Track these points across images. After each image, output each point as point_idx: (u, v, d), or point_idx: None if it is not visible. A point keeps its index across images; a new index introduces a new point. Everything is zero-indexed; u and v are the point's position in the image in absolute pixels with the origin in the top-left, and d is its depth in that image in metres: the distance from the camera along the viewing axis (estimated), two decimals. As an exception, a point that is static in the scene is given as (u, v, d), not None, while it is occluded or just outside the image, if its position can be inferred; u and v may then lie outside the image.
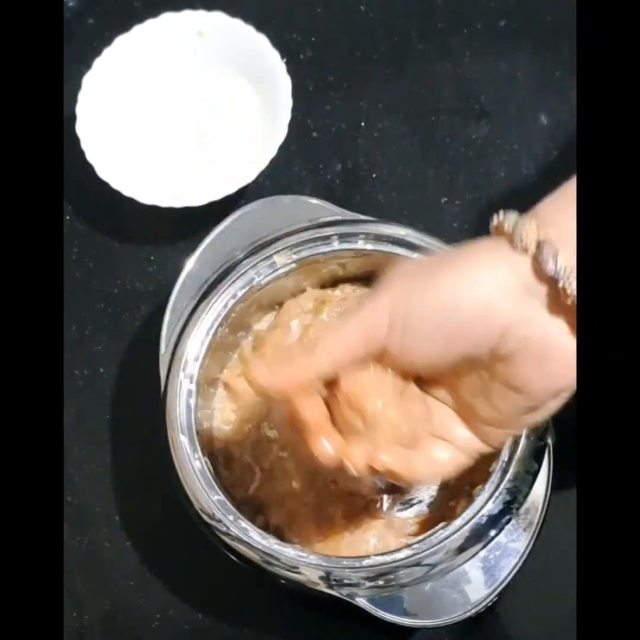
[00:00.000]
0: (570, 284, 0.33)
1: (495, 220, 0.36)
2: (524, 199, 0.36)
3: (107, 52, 0.59)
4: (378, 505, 0.48)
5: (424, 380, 0.39)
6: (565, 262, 0.33)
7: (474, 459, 0.39)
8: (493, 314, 0.34)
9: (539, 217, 0.35)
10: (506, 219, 0.35)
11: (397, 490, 0.48)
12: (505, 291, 0.34)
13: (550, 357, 0.35)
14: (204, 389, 0.48)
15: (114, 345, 0.57)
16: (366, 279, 0.51)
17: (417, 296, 0.35)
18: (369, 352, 0.37)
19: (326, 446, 0.37)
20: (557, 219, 0.34)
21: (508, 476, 0.43)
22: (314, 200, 0.52)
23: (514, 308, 0.34)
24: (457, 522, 0.43)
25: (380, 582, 0.42)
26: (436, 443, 0.39)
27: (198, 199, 0.55)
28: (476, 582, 0.43)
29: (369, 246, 0.48)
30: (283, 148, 0.56)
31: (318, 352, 0.37)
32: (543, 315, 0.34)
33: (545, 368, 0.35)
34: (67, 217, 0.60)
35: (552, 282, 0.33)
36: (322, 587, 0.43)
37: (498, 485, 0.43)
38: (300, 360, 0.37)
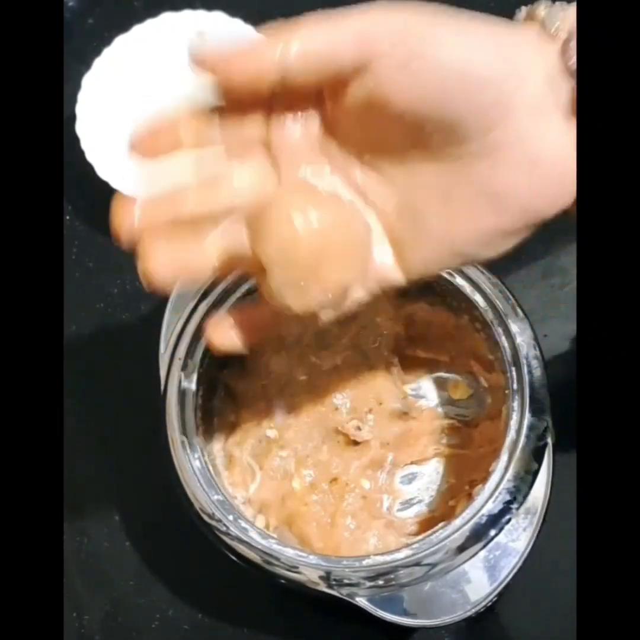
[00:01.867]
0: None
1: (524, 10, 0.32)
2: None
3: (107, 52, 0.59)
4: (378, 505, 0.49)
5: (373, 164, 0.33)
6: None
7: (373, 295, 0.34)
8: (506, 89, 0.30)
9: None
10: (539, 5, 0.31)
11: None
12: (527, 74, 0.30)
13: (544, 164, 0.30)
14: (204, 389, 0.48)
15: (114, 345, 0.57)
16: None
17: (438, 30, 0.30)
18: (352, 60, 0.30)
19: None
20: None
21: (508, 476, 0.43)
22: (314, 200, 0.52)
23: (528, 94, 0.30)
24: (457, 522, 0.43)
25: (380, 582, 0.42)
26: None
27: (198, 198, 0.55)
28: (476, 582, 0.43)
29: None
30: (283, 148, 0.56)
31: (296, 31, 0.30)
32: (553, 117, 0.30)
33: (534, 175, 0.30)
34: (67, 217, 0.60)
35: (574, 79, 0.30)
36: (322, 587, 0.43)
37: (498, 485, 0.43)
38: (270, 39, 0.31)
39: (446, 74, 0.30)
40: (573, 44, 0.30)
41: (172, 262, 0.33)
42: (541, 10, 0.31)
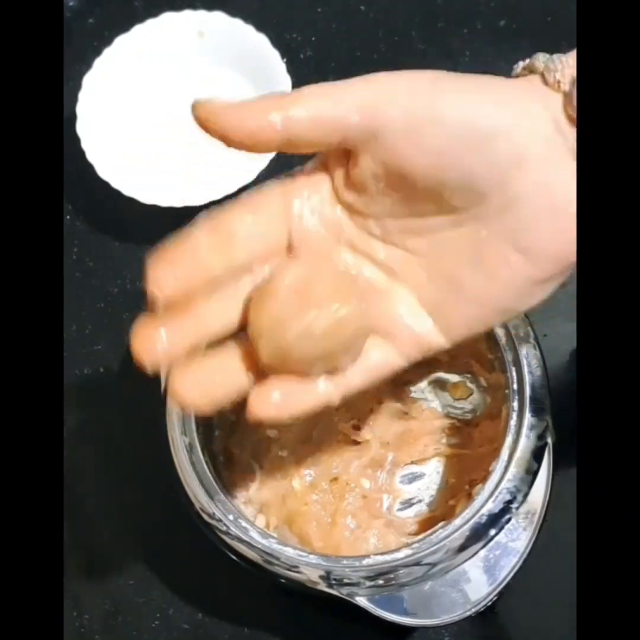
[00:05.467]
0: None
1: (522, 64, 0.32)
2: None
3: (107, 52, 0.59)
4: (378, 504, 0.49)
5: (396, 240, 0.33)
6: None
7: (413, 361, 0.34)
8: (516, 139, 0.30)
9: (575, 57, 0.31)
10: (537, 58, 0.32)
11: None
12: (535, 123, 0.30)
13: (566, 210, 0.30)
14: (204, 389, 0.48)
15: (114, 344, 0.57)
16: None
17: (442, 92, 0.30)
18: (359, 129, 0.30)
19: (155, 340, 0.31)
20: None
21: (508, 476, 0.43)
22: (314, 200, 0.52)
23: (539, 142, 0.30)
24: (457, 522, 0.43)
25: (380, 582, 0.42)
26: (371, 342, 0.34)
27: (198, 198, 0.55)
28: (476, 582, 0.43)
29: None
30: (283, 148, 0.56)
31: (300, 98, 0.30)
32: (567, 163, 0.30)
33: (558, 223, 0.31)
34: (67, 217, 0.60)
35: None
36: (322, 587, 0.43)
37: (498, 485, 0.43)
38: (274, 100, 0.30)
39: (454, 133, 0.30)
40: (575, 93, 0.30)
41: (200, 383, 0.33)
42: (539, 62, 0.31)
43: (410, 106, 0.30)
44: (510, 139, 0.30)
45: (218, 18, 0.60)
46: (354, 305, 0.33)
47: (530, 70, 0.32)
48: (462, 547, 0.42)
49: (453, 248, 0.32)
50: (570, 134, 0.30)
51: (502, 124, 0.30)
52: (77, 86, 0.58)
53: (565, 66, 0.31)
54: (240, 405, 0.51)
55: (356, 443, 0.50)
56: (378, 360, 0.34)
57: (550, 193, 0.31)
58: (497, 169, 0.30)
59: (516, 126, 0.30)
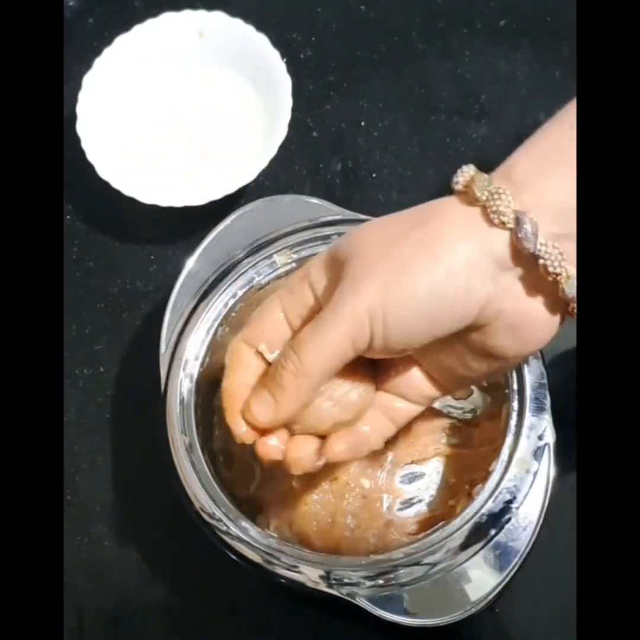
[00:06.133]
0: (552, 262, 0.33)
1: (459, 178, 0.35)
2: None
3: (107, 52, 0.59)
4: (378, 504, 0.49)
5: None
6: (544, 237, 0.33)
7: (428, 405, 0.41)
8: (472, 297, 0.34)
9: (513, 181, 0.34)
10: (475, 181, 0.34)
11: None
12: (481, 273, 0.34)
13: (523, 326, 0.36)
14: (204, 389, 0.48)
15: (114, 344, 0.57)
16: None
17: (395, 291, 0.35)
18: (357, 353, 0.36)
19: (273, 445, 0.38)
20: (532, 181, 0.33)
21: (508, 475, 0.43)
22: (314, 200, 0.52)
23: (490, 287, 0.34)
24: (457, 522, 0.43)
25: (380, 581, 0.42)
26: (389, 398, 0.40)
27: (198, 198, 0.55)
28: (476, 582, 0.43)
29: (369, 246, 0.48)
30: (283, 148, 0.56)
31: (310, 373, 0.36)
32: (517, 287, 0.35)
33: (519, 336, 0.36)
34: (67, 217, 0.60)
35: (531, 258, 0.33)
36: (322, 587, 0.43)
37: (498, 485, 0.43)
38: (293, 386, 0.37)
39: (420, 314, 0.35)
40: (523, 230, 0.33)
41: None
42: (479, 191, 0.34)
43: (376, 316, 0.35)
44: (466, 299, 0.34)
45: (218, 18, 0.60)
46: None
47: (470, 197, 0.35)
48: (462, 547, 0.42)
49: (440, 354, 0.39)
50: (515, 263, 0.34)
51: (457, 291, 0.34)
52: (77, 86, 0.58)
53: (506, 204, 0.33)
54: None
55: (356, 443, 0.50)
56: (402, 407, 0.41)
57: (506, 317, 0.35)
58: (462, 321, 0.35)
59: (469, 288, 0.34)
